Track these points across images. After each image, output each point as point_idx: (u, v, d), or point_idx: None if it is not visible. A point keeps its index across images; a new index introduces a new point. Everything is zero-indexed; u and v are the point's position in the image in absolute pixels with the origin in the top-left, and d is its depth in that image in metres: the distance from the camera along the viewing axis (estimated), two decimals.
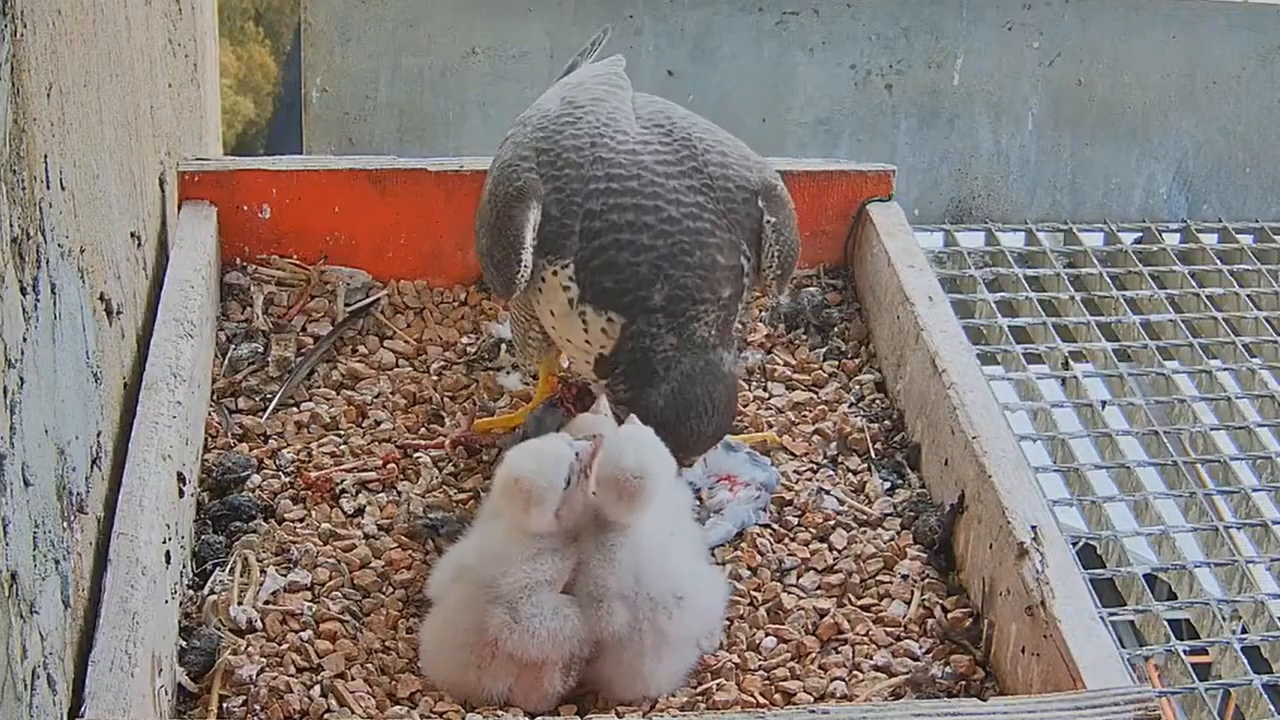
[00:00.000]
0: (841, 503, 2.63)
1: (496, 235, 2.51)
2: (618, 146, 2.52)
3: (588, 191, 2.47)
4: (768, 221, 2.54)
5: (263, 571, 2.40)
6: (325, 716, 2.18)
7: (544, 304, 2.49)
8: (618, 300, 2.41)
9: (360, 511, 2.57)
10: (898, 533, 2.57)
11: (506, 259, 2.48)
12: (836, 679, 2.30)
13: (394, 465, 2.65)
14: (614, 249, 2.43)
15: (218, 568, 2.41)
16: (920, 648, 2.35)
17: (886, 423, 2.79)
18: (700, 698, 2.26)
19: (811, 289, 3.08)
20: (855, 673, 2.32)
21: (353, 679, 2.25)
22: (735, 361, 2.48)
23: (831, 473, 2.70)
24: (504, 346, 2.93)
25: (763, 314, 3.05)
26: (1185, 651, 3.00)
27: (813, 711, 2.06)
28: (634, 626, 2.22)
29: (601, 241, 2.43)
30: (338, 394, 2.81)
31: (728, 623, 2.39)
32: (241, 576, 2.40)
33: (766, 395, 2.87)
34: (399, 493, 2.60)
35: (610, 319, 2.42)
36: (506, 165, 2.57)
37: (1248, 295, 4.06)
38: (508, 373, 2.88)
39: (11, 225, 1.80)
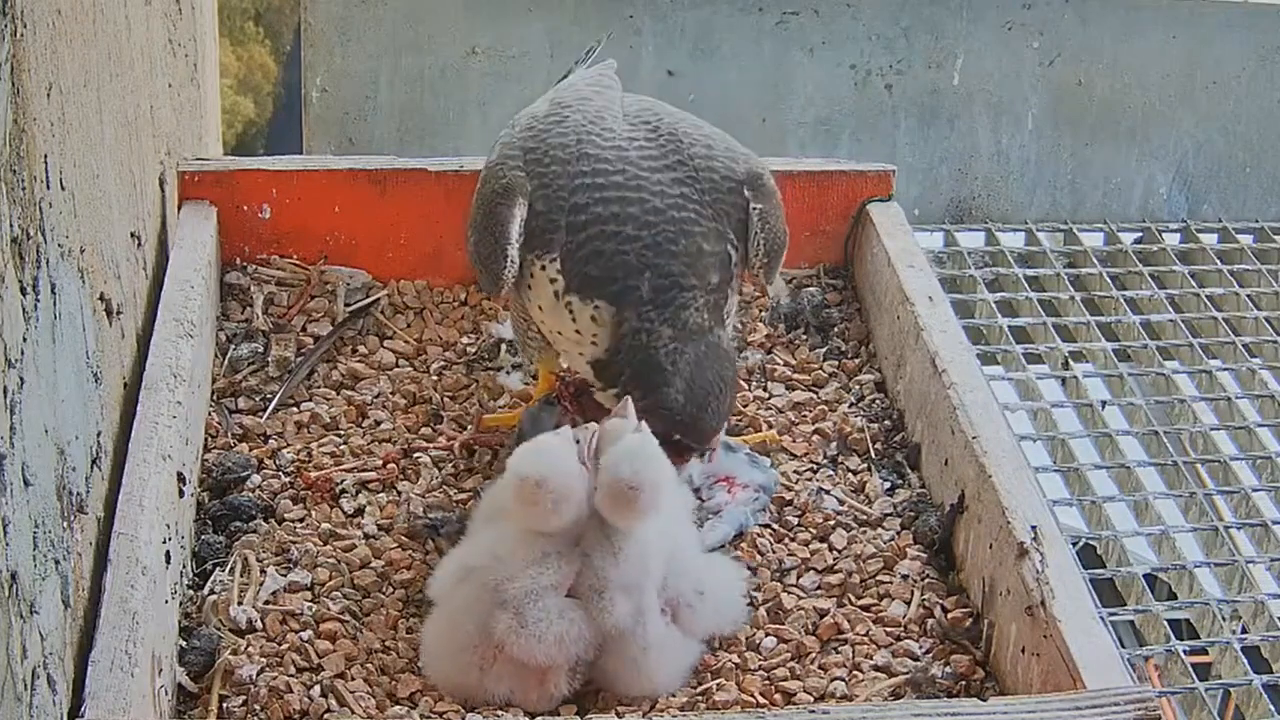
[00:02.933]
0: (841, 503, 2.63)
1: (483, 233, 2.54)
2: (603, 143, 2.55)
3: (573, 186, 2.49)
4: (753, 209, 2.56)
5: (263, 571, 2.40)
6: (325, 716, 2.18)
7: (534, 299, 2.51)
8: (604, 288, 2.43)
9: (360, 511, 2.57)
10: (898, 533, 2.57)
11: (493, 255, 2.50)
12: (836, 679, 2.30)
13: (394, 465, 2.65)
14: (599, 239, 2.45)
15: (218, 568, 2.41)
16: (920, 648, 2.35)
17: (886, 423, 2.79)
18: (700, 698, 2.26)
19: (811, 289, 3.08)
20: (855, 673, 2.32)
21: (353, 679, 2.25)
22: (730, 340, 2.51)
23: (831, 473, 2.70)
24: (504, 346, 2.93)
25: (763, 314, 3.05)
26: (1185, 651, 3.00)
27: (813, 711, 2.06)
28: (637, 620, 2.22)
29: (587, 233, 2.45)
30: (338, 394, 2.81)
31: (744, 619, 2.39)
32: (241, 576, 2.40)
33: (766, 395, 2.87)
34: (399, 493, 2.60)
35: (598, 307, 2.43)
36: (493, 165, 2.60)
37: (1248, 295, 4.06)
38: (508, 373, 2.88)
39: (11, 225, 1.80)
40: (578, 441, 2.27)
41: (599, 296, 2.43)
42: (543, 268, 2.48)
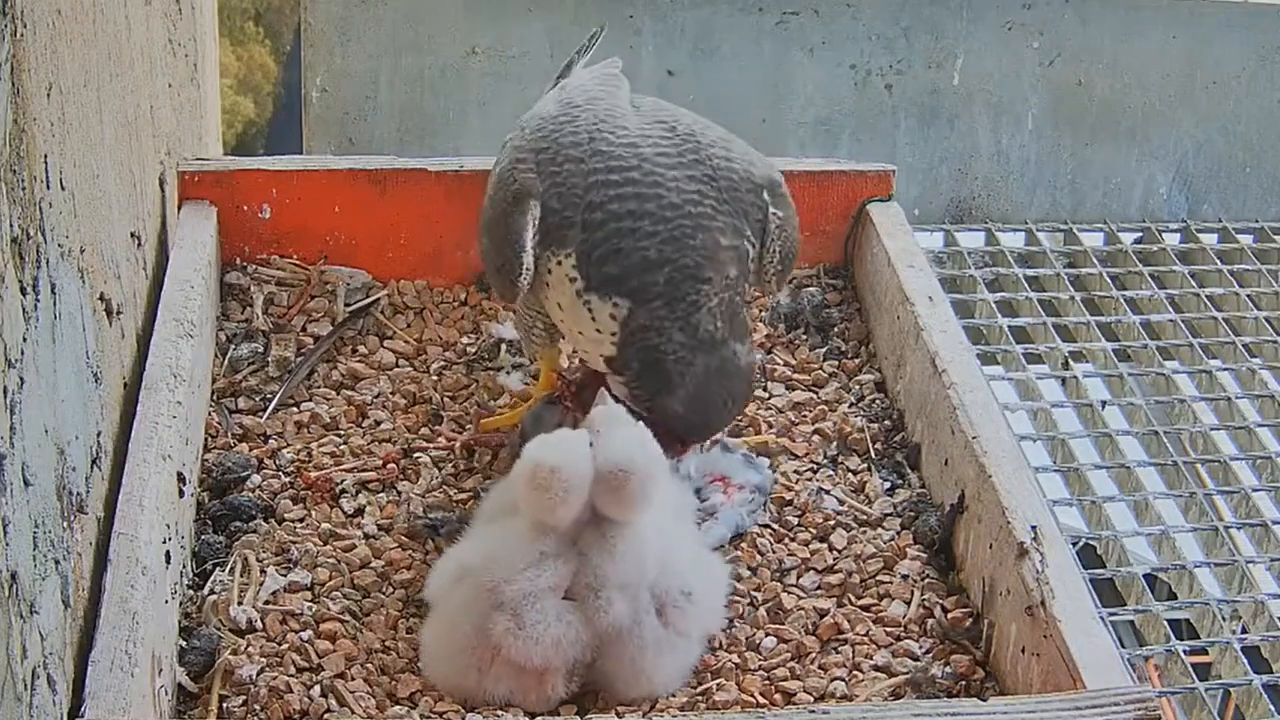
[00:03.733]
0: (841, 503, 2.63)
1: (498, 239, 2.51)
2: (616, 140, 2.53)
3: (588, 184, 2.47)
4: (773, 214, 2.54)
5: (263, 571, 2.41)
6: (325, 716, 2.18)
7: (552, 297, 2.49)
8: (622, 285, 2.41)
9: (360, 511, 2.57)
10: (898, 533, 2.57)
11: (508, 262, 2.48)
12: (836, 679, 2.30)
13: (394, 465, 2.65)
14: (616, 237, 2.42)
15: (218, 568, 2.41)
16: (920, 648, 2.35)
17: (886, 423, 2.79)
18: (700, 698, 2.26)
19: (811, 289, 3.08)
20: (855, 673, 2.32)
21: (353, 679, 2.26)
22: (750, 351, 2.46)
23: (831, 473, 2.70)
24: (504, 346, 2.93)
25: (763, 314, 3.05)
26: (1185, 651, 3.00)
27: (813, 711, 2.06)
28: (633, 619, 2.22)
29: (604, 231, 2.43)
30: (338, 394, 2.81)
31: (727, 623, 2.39)
32: (241, 576, 2.40)
33: (766, 395, 2.87)
34: (399, 493, 2.61)
35: (616, 304, 2.41)
36: (504, 170, 2.58)
37: (1248, 295, 4.06)
38: (508, 373, 2.88)
39: (11, 225, 1.80)
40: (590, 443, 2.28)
41: (618, 294, 2.41)
42: (559, 263, 2.46)
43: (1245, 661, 3.02)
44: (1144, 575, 3.18)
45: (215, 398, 2.76)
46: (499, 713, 2.20)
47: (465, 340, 2.96)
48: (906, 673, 2.30)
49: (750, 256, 2.50)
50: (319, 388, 2.82)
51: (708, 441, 2.52)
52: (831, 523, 2.58)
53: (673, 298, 2.39)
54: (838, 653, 2.36)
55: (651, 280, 2.39)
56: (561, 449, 2.25)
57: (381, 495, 2.60)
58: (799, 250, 2.62)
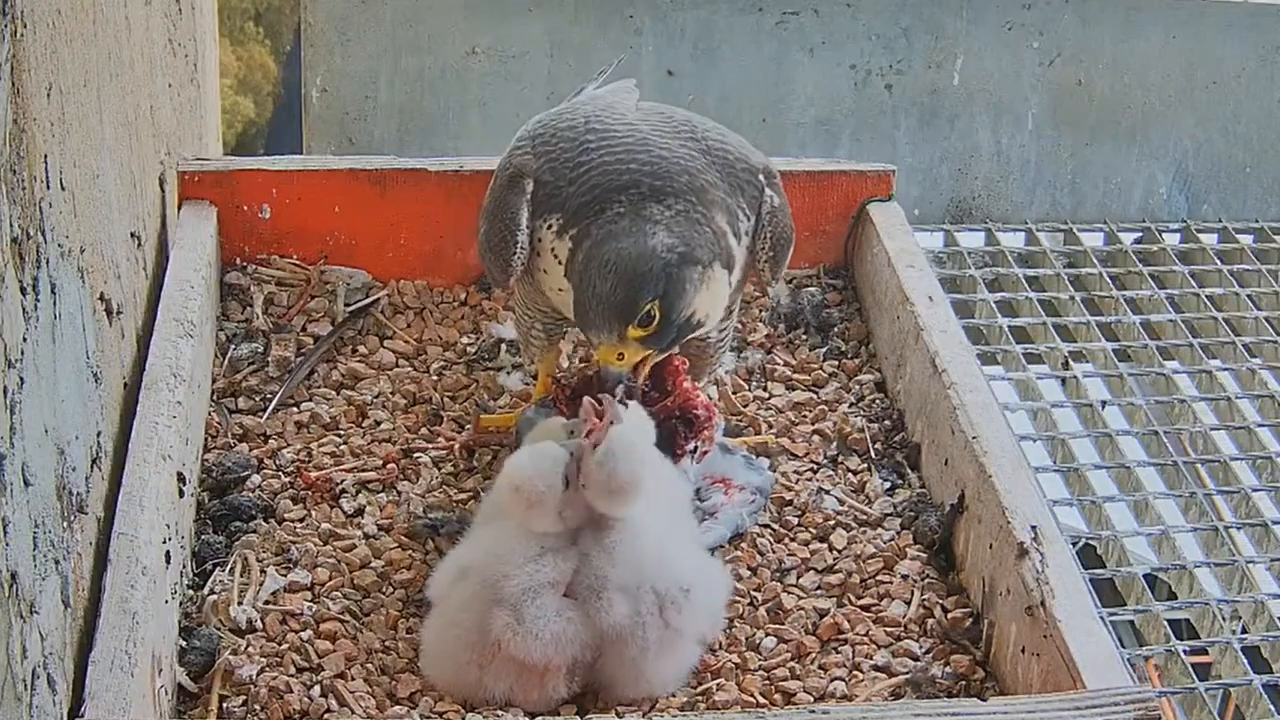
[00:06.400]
0: (841, 503, 2.63)
1: (494, 219, 2.53)
2: (612, 120, 2.54)
3: (579, 155, 2.48)
4: (768, 196, 2.54)
5: (263, 571, 2.40)
6: (325, 716, 2.18)
7: (541, 265, 2.48)
8: (581, 215, 2.39)
9: (360, 511, 2.57)
10: (898, 533, 2.57)
11: (503, 240, 2.49)
12: (836, 679, 2.30)
13: (394, 465, 2.65)
14: (600, 176, 2.42)
15: (218, 568, 2.41)
16: (920, 648, 2.35)
17: (886, 423, 2.78)
18: (700, 698, 2.26)
19: (811, 289, 3.08)
20: (855, 673, 2.32)
21: (353, 679, 2.26)
22: (671, 249, 2.33)
23: (831, 473, 2.70)
24: (504, 346, 2.93)
25: (763, 314, 3.05)
26: (1185, 651, 3.00)
27: (813, 711, 2.06)
28: (635, 620, 2.22)
29: (589, 180, 2.43)
30: (338, 394, 2.81)
31: (727, 623, 2.39)
32: (241, 576, 2.40)
33: (766, 395, 2.87)
34: (399, 493, 2.61)
35: (573, 235, 2.40)
36: (504, 160, 2.60)
37: (1248, 295, 4.06)
38: (508, 373, 2.88)
39: (11, 225, 1.80)
40: (572, 455, 2.27)
41: (573, 225, 2.40)
42: (549, 227, 2.46)
43: (1245, 661, 3.02)
44: (1144, 575, 3.18)
45: (215, 398, 2.76)
46: (499, 712, 2.20)
47: (465, 340, 2.96)
48: (906, 673, 2.30)
49: (745, 230, 2.49)
50: (319, 388, 2.82)
51: (590, 328, 2.36)
52: (831, 523, 2.58)
53: (632, 201, 2.37)
54: (838, 653, 2.36)
55: (610, 199, 2.38)
56: (529, 468, 2.25)
57: (381, 495, 2.60)
58: (793, 240, 2.59)
